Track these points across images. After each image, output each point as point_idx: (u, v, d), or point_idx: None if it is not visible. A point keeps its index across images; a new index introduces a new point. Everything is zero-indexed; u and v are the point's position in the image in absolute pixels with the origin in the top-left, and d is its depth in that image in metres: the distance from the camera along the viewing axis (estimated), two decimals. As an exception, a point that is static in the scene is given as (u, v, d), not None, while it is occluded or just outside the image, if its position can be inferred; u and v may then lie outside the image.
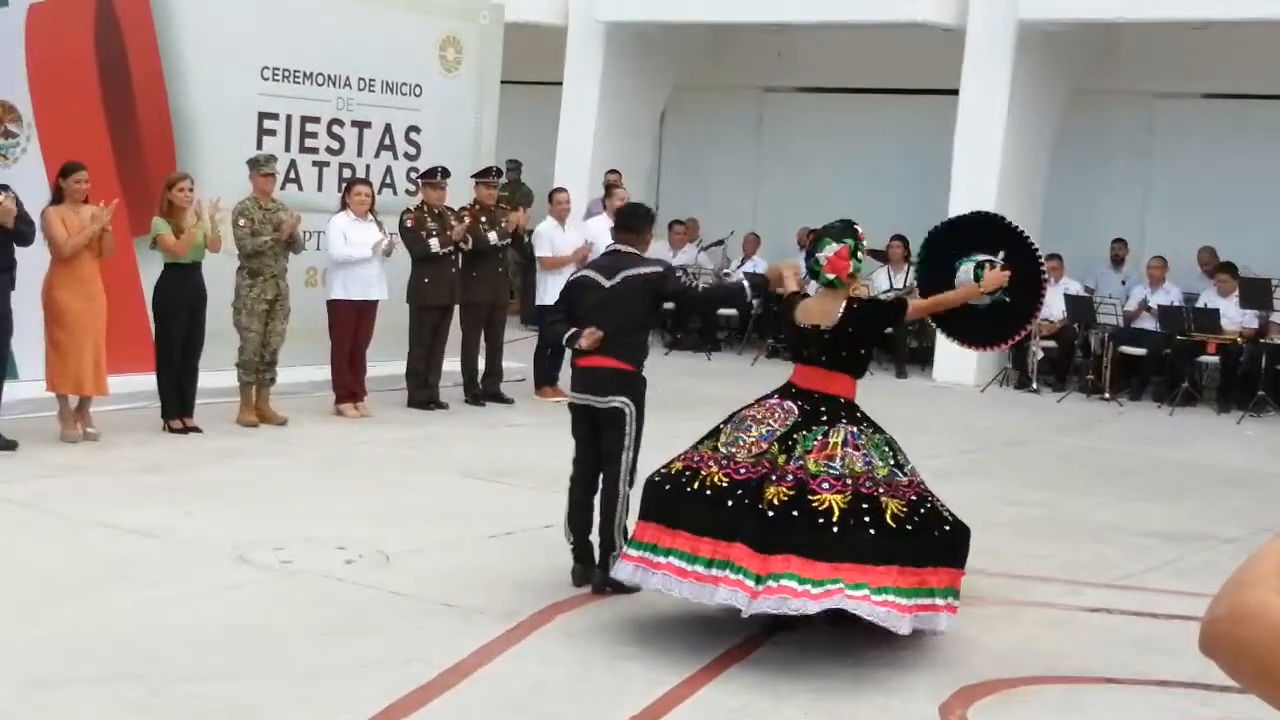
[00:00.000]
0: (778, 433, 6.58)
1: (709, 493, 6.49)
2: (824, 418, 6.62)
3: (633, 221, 7.73)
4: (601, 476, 7.33)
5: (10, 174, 10.50)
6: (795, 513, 6.30)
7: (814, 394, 6.74)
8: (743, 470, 6.50)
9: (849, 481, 6.39)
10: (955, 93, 15.72)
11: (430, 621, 6.74)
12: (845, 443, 6.50)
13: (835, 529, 6.27)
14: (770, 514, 6.31)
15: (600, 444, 7.34)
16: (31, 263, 9.96)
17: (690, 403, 13.23)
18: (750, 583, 6.26)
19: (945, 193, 15.61)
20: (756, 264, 17.64)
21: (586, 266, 7.96)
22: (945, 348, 15.67)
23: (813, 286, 7.18)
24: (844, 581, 6.21)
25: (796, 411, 6.66)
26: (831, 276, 6.83)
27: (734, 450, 6.59)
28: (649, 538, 6.64)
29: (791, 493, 6.34)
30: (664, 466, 6.83)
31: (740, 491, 6.43)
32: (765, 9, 16.11)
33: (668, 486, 6.69)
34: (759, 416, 6.71)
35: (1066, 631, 7.16)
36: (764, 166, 19.25)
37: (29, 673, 5.77)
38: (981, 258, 7.25)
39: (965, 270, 7.25)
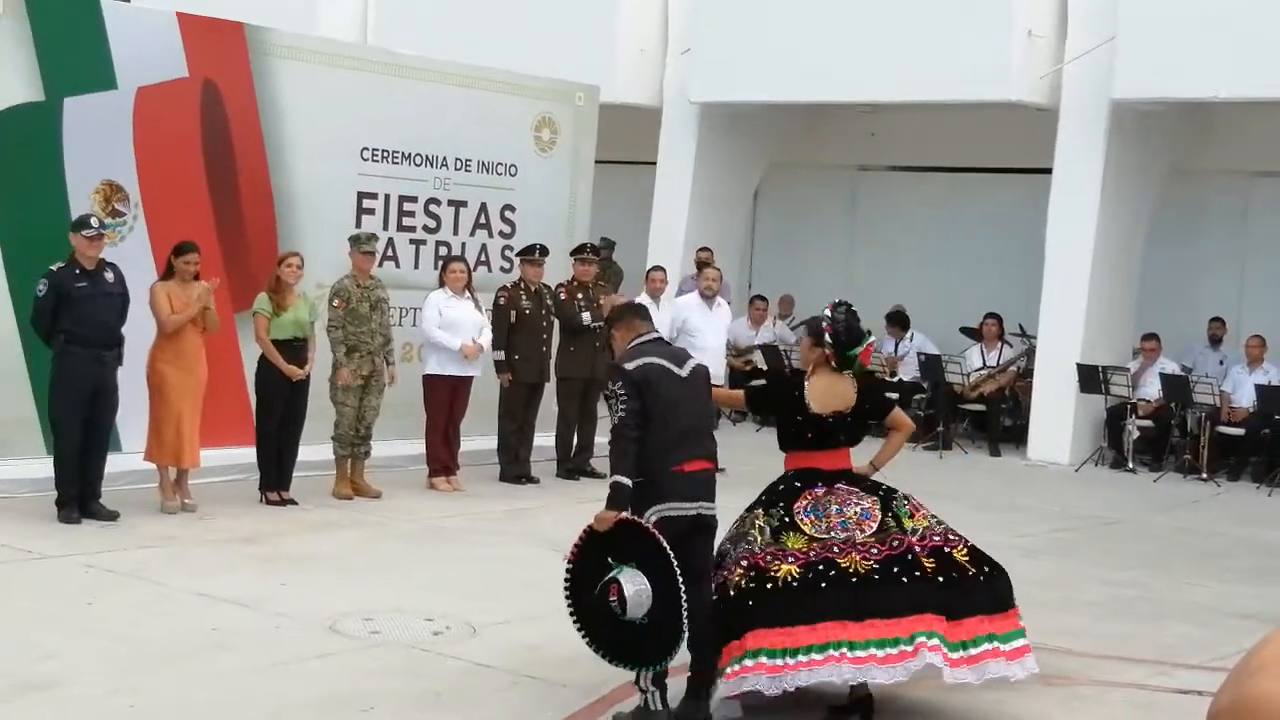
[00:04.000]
0: (875, 511, 6.65)
1: (855, 579, 6.38)
2: (881, 490, 6.80)
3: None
4: (694, 597, 6.24)
5: (117, 252, 10.81)
6: (954, 574, 6.50)
7: (846, 472, 6.81)
8: (876, 549, 6.49)
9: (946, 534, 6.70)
10: (1049, 171, 15.71)
11: (514, 694, 6.80)
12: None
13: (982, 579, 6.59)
14: (942, 579, 6.47)
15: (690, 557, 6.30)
16: (138, 337, 10.24)
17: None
18: (949, 651, 6.37)
19: (1039, 271, 15.58)
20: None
21: (648, 354, 6.51)
22: (1040, 425, 15.59)
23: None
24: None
25: (861, 491, 6.75)
26: (859, 365, 6.96)
27: (845, 533, 6.55)
28: (779, 643, 6.29)
29: (933, 560, 6.50)
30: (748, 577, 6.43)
31: (895, 568, 6.45)
32: (858, 89, 16.21)
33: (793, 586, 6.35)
34: (839, 500, 6.67)
35: (1156, 714, 7.08)
36: (857, 244, 19.30)
37: (122, 737, 5.91)
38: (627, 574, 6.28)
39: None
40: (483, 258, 13.99)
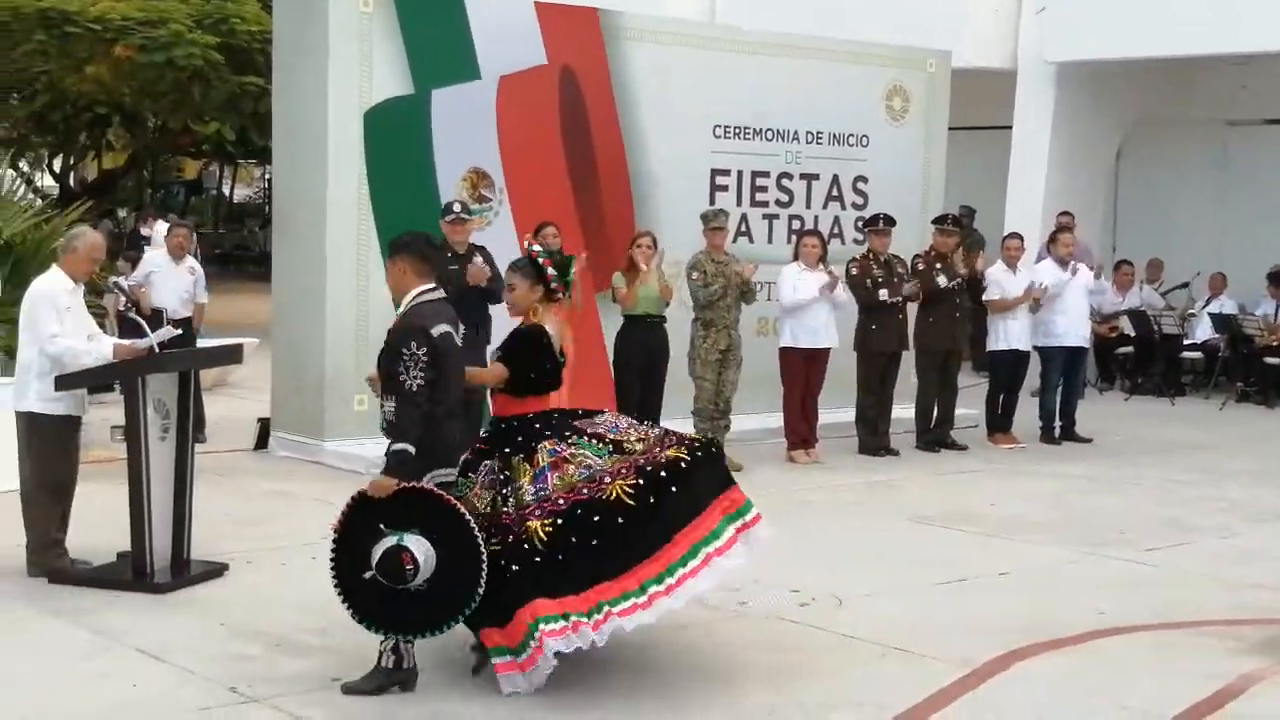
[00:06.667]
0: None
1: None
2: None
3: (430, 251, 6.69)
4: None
5: (484, 236, 11.21)
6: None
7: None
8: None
9: None
10: None
11: (883, 666, 6.75)
12: None
13: None
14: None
15: None
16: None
17: (1155, 449, 12.80)
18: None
19: None
20: (1223, 304, 16.86)
21: (443, 317, 6.33)
22: None
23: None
24: None
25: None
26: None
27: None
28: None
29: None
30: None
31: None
32: (1226, 40, 15.41)
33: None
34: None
35: None
36: (1229, 203, 18.37)
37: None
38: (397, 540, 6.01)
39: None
40: (835, 230, 13.94)
